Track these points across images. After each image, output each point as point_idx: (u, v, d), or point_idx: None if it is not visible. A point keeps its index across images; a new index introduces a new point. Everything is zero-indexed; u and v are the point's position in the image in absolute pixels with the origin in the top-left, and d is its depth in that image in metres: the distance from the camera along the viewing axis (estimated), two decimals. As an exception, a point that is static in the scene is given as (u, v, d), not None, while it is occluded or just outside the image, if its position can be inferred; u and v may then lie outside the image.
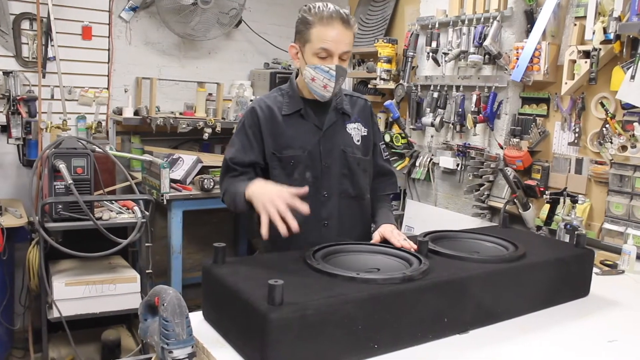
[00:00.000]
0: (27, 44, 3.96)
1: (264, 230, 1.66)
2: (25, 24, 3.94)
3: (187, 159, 4.02)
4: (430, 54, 3.75)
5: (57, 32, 3.95)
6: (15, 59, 3.93)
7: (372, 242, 2.07)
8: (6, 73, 3.74)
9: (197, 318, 1.67)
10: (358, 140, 2.21)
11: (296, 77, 2.19)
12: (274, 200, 1.68)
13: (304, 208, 1.62)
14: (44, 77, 3.99)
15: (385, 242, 2.04)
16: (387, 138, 3.95)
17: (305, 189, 1.71)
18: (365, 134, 2.24)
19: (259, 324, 1.34)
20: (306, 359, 1.38)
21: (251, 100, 4.38)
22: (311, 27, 2.01)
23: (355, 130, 2.21)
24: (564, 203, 2.87)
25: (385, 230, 2.08)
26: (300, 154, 2.12)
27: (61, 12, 4.01)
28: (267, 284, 1.36)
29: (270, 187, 1.80)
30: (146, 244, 3.51)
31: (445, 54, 3.64)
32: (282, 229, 1.63)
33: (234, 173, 2.13)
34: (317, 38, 2.00)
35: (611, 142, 2.86)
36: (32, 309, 3.81)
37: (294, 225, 1.61)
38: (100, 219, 3.33)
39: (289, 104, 2.15)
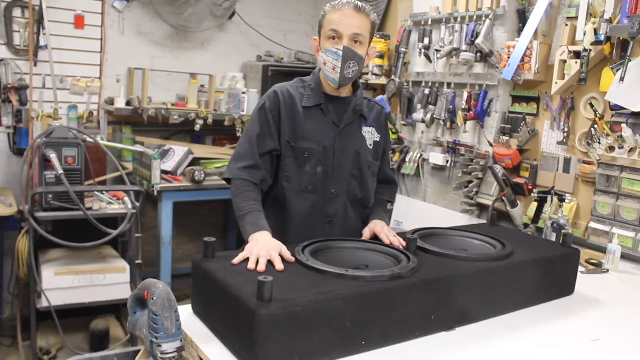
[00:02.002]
0: (19, 31, 3.93)
1: (236, 261, 1.66)
2: (16, 12, 3.92)
3: (178, 150, 4.01)
4: (422, 50, 3.76)
5: (49, 20, 3.93)
6: (6, 46, 3.91)
7: (361, 238, 2.10)
8: (-3, 61, 3.73)
9: (185, 311, 1.69)
10: (370, 144, 2.24)
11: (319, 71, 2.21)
12: (261, 251, 1.68)
13: (279, 267, 1.63)
14: (35, 65, 3.97)
15: (375, 237, 2.07)
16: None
17: (292, 259, 1.70)
18: (378, 139, 2.27)
19: (248, 319, 1.36)
20: (295, 355, 1.40)
21: (243, 93, 4.40)
22: (325, 15, 2.10)
23: (369, 134, 2.24)
24: (551, 201, 2.90)
25: (376, 225, 2.12)
26: (315, 147, 2.13)
27: (53, 0, 3.99)
28: (257, 280, 1.38)
29: (269, 241, 1.78)
30: (136, 235, 3.51)
31: (437, 50, 3.66)
32: (251, 267, 1.63)
33: (248, 162, 2.08)
34: (328, 22, 2.08)
35: (599, 142, 2.89)
36: (20, 298, 3.81)
37: (260, 269, 1.61)
38: (90, 209, 3.33)
39: (310, 97, 2.16)
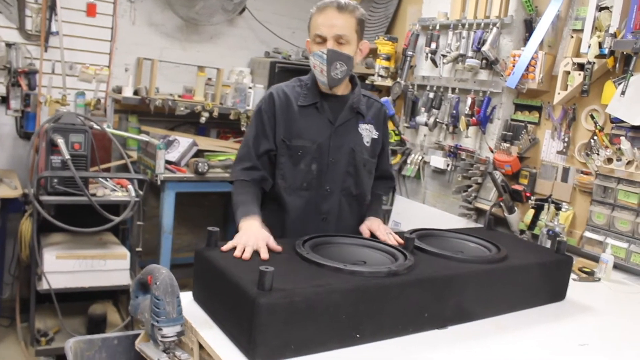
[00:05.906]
0: (31, 17, 3.97)
1: (225, 248, 1.73)
2: (30, -3, 3.97)
3: (183, 142, 4.05)
4: (429, 54, 3.80)
5: (61, 7, 3.97)
6: (18, 31, 3.94)
7: (360, 235, 2.15)
8: (8, 45, 3.76)
9: (186, 298, 1.73)
10: (367, 142, 2.26)
11: None
12: (249, 241, 1.74)
13: (264, 256, 1.69)
14: (46, 51, 4.01)
15: (372, 235, 2.12)
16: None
17: (279, 249, 1.77)
18: (376, 137, 2.30)
19: (248, 307, 1.41)
20: (291, 344, 1.45)
21: (250, 88, 4.44)
22: (311, 18, 2.13)
23: (367, 132, 2.27)
24: (548, 209, 2.95)
25: (372, 223, 2.17)
26: (309, 145, 2.17)
27: (67, -12, 4.04)
28: (258, 270, 1.42)
29: (257, 231, 1.84)
30: (138, 223, 3.55)
31: (444, 55, 3.70)
32: (237, 255, 1.69)
33: (247, 164, 2.16)
34: (313, 26, 2.11)
35: (598, 154, 2.94)
36: (20, 280, 3.85)
37: (245, 257, 1.68)
38: (94, 195, 3.37)
39: (306, 96, 2.20)
